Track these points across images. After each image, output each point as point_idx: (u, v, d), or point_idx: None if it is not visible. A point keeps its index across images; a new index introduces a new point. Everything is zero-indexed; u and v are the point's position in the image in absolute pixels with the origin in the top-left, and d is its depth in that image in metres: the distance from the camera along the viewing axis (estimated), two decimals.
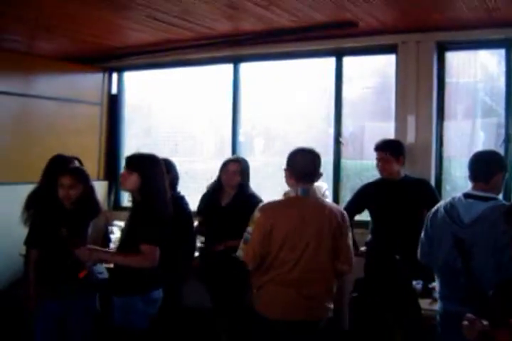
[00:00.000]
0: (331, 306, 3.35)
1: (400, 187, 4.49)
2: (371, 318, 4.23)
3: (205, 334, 4.94)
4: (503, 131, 5.03)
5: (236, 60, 6.07)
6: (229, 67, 6.13)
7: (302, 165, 3.31)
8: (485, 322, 2.11)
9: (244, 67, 6.11)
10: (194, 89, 6.50)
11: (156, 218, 3.24)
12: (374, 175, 4.84)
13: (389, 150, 4.54)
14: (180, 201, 4.36)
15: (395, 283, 4.02)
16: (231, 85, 6.14)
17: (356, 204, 4.65)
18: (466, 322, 2.17)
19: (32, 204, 3.80)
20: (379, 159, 4.56)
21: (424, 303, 3.83)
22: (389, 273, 4.12)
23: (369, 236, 4.63)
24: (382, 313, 4.14)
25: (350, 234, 3.37)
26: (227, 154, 6.03)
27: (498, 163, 3.28)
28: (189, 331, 4.76)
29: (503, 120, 5.05)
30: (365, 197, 4.64)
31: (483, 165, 3.24)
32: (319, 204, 3.37)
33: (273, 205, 3.37)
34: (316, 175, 3.35)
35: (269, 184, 5.91)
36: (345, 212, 3.42)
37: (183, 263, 4.38)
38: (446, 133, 5.27)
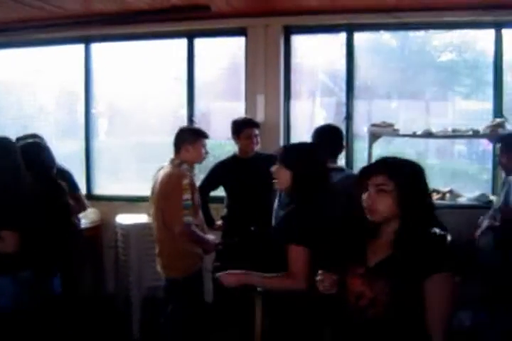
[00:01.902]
0: (174, 265, 3.91)
1: (252, 163, 4.67)
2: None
3: None
4: (342, 109, 5.47)
5: (88, 40, 5.97)
6: (80, 48, 6.01)
7: None
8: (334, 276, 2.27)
9: (97, 47, 6.04)
10: (44, 70, 6.30)
11: (13, 203, 3.19)
12: (226, 152, 5.05)
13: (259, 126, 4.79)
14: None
15: (252, 252, 4.26)
16: (83, 65, 6.02)
17: (211, 181, 4.76)
18: (319, 277, 2.30)
19: None
20: (254, 135, 4.67)
21: None
22: (245, 243, 4.36)
23: (225, 211, 4.80)
24: None
25: (178, 197, 3.72)
26: (81, 136, 6.00)
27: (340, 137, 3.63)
28: None
29: (341, 99, 5.48)
30: (219, 174, 4.76)
31: (325, 140, 3.57)
32: (165, 172, 3.89)
33: None
34: (175, 148, 4.00)
35: (125, 165, 5.99)
36: (179, 177, 3.80)
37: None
38: (292, 112, 5.61)
